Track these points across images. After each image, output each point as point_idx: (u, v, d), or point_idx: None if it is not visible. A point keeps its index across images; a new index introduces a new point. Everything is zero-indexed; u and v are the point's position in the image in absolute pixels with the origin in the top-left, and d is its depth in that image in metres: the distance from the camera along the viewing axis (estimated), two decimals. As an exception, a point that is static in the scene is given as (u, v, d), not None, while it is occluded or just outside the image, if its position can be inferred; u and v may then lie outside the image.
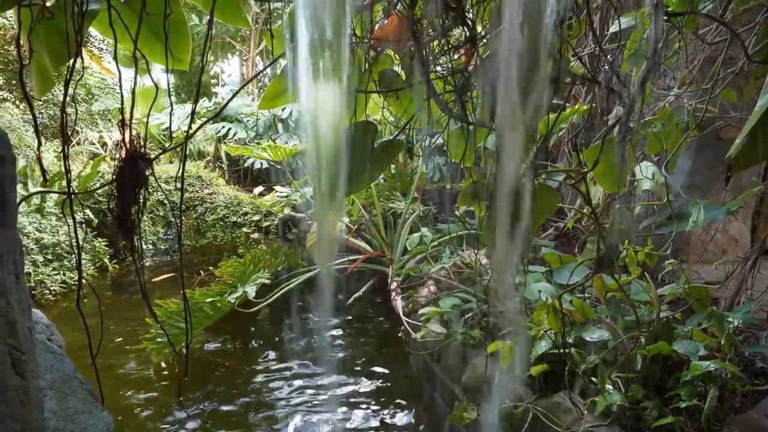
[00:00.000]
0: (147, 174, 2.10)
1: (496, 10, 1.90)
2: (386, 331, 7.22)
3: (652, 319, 3.97)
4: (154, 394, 5.60)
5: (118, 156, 2.09)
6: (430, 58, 2.47)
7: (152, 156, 2.14)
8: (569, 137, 6.10)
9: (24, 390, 1.67)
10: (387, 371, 6.10)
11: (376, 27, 2.74)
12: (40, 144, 2.18)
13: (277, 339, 7.07)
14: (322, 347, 6.79)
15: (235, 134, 13.34)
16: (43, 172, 2.23)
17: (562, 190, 6.42)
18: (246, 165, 13.14)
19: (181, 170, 2.32)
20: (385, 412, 5.26)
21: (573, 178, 2.84)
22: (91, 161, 10.76)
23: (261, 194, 11.57)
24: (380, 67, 2.79)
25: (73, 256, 8.79)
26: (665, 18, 2.40)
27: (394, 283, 7.15)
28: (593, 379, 3.96)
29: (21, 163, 9.87)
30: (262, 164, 12.49)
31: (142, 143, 2.12)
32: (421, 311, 5.71)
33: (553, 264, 5.00)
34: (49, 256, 8.60)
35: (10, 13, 2.38)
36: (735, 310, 4.20)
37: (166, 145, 13.22)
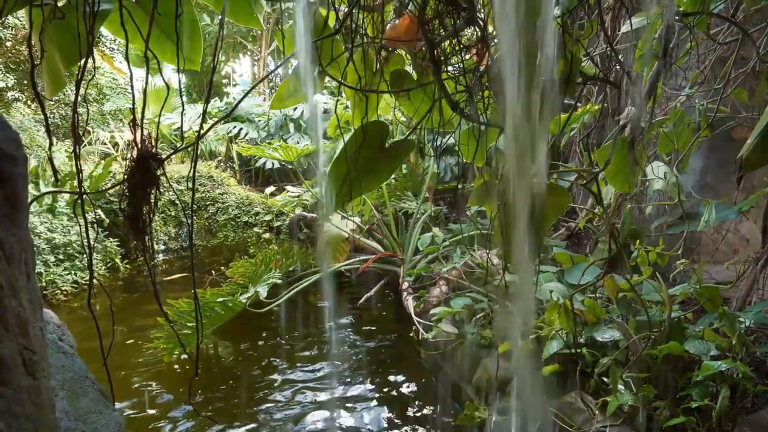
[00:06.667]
0: (158, 174, 2.10)
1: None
2: (397, 330, 7.22)
3: (663, 319, 3.96)
4: (165, 393, 5.62)
5: (129, 156, 2.08)
6: (442, 58, 2.47)
7: (164, 156, 2.14)
8: (581, 137, 6.10)
9: (36, 390, 1.67)
10: (398, 371, 6.11)
11: (388, 27, 2.74)
12: (51, 144, 2.17)
13: (287, 338, 7.08)
14: (333, 347, 6.80)
15: (246, 134, 13.33)
16: (55, 172, 2.23)
17: (574, 189, 6.42)
18: (257, 165, 13.14)
19: (192, 170, 2.32)
20: (395, 411, 5.27)
21: (584, 177, 2.84)
22: (102, 161, 10.77)
23: (272, 194, 11.57)
24: (392, 67, 2.79)
25: (85, 256, 8.81)
26: (677, 18, 2.39)
27: (406, 283, 7.15)
28: (605, 379, 3.95)
29: (32, 162, 9.90)
30: (273, 164, 12.48)
31: (153, 143, 2.12)
32: (432, 311, 5.71)
33: (564, 264, 4.99)
34: (61, 256, 8.63)
35: (22, 14, 2.39)
36: (746, 310, 4.19)
37: (178, 145, 13.22)
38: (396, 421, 5.13)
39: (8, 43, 11.22)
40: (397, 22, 2.69)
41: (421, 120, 2.68)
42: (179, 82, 2.52)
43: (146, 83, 2.54)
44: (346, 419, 5.18)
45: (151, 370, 6.11)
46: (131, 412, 5.21)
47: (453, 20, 2.33)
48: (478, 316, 5.41)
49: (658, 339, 3.88)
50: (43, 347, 1.80)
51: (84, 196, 2.06)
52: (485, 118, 2.42)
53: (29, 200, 1.78)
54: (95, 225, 9.53)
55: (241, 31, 17.76)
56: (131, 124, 2.10)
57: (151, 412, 5.28)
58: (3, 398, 1.51)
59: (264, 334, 7.18)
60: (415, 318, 6.04)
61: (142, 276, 9.83)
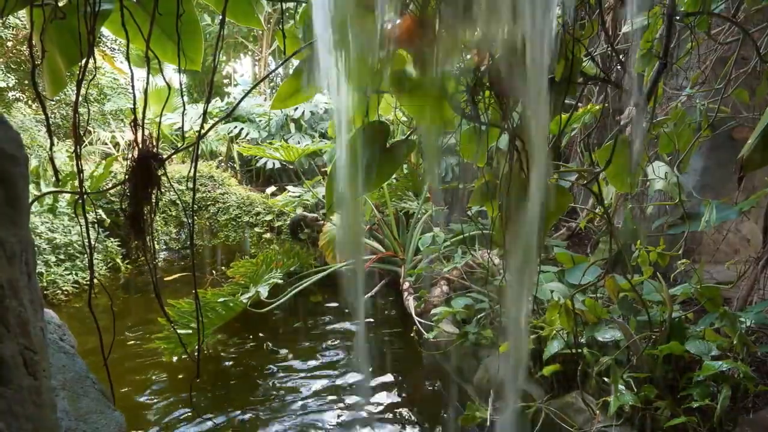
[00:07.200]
0: (159, 174, 2.10)
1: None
2: (398, 331, 7.22)
3: (664, 319, 3.96)
4: (167, 393, 5.62)
5: (130, 156, 2.08)
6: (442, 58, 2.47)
7: (164, 156, 2.14)
8: (582, 137, 6.10)
9: (37, 390, 1.67)
10: (399, 371, 6.11)
11: (389, 27, 2.74)
12: (52, 144, 2.18)
13: (289, 338, 7.08)
14: (334, 347, 6.80)
15: (247, 134, 13.32)
16: (56, 172, 2.23)
17: (575, 190, 6.41)
18: (258, 165, 13.14)
19: (193, 170, 2.32)
20: (397, 411, 5.27)
21: (585, 178, 2.84)
22: (103, 161, 10.77)
23: (273, 194, 11.57)
24: (393, 67, 2.79)
25: (86, 256, 8.81)
26: (678, 18, 2.39)
27: (407, 283, 7.15)
28: (605, 379, 3.95)
29: (33, 163, 9.91)
30: (274, 164, 12.48)
31: (154, 143, 2.12)
32: (433, 311, 5.71)
33: (565, 264, 4.99)
34: (62, 256, 8.63)
35: (23, 13, 2.39)
36: (747, 310, 4.19)
37: (179, 145, 13.20)
38: (396, 421, 5.13)
39: (9, 43, 11.24)
40: (398, 22, 2.69)
41: (421, 120, 2.68)
42: (180, 82, 2.52)
43: (147, 83, 2.55)
44: (345, 418, 5.18)
45: (152, 370, 6.11)
46: (132, 411, 5.21)
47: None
48: (479, 316, 5.40)
49: (659, 339, 3.88)
50: (44, 347, 1.80)
51: (85, 196, 2.06)
52: (486, 118, 2.42)
53: (30, 200, 1.78)
54: (96, 225, 9.54)
55: (241, 31, 17.76)
56: (132, 124, 2.10)
57: (153, 411, 5.28)
58: (3, 398, 1.51)
59: (264, 333, 7.18)
60: (415, 318, 6.04)
61: (143, 276, 9.83)
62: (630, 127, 2.38)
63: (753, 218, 5.81)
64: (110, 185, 9.96)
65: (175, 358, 5.93)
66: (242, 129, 13.40)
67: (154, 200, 2.13)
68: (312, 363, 6.37)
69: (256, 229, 10.99)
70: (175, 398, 5.52)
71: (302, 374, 6.11)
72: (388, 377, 5.96)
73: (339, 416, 5.23)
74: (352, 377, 5.99)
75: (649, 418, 3.68)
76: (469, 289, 6.18)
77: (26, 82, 11.53)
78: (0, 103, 11.50)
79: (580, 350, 4.14)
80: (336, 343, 6.95)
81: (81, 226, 2.17)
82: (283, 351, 6.74)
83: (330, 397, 5.54)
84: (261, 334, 7.14)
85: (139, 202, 2.10)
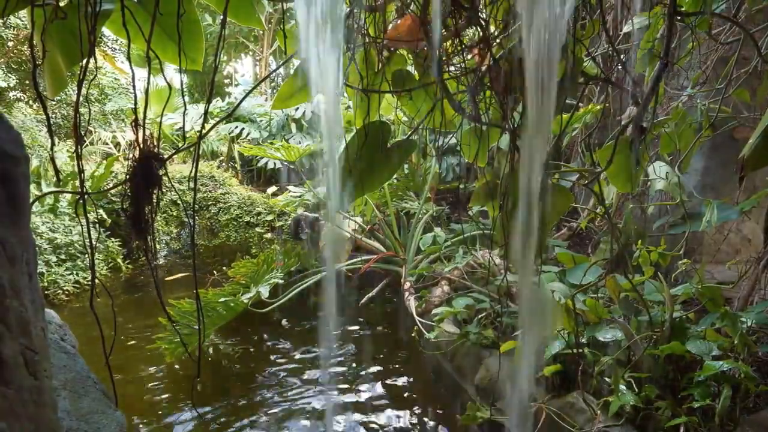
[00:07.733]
0: (160, 174, 2.10)
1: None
2: (399, 330, 7.22)
3: (665, 319, 3.96)
4: (167, 393, 5.62)
5: (131, 156, 2.08)
6: (444, 58, 2.47)
7: (165, 156, 2.14)
8: (583, 137, 6.09)
9: (38, 390, 1.67)
10: (400, 371, 6.10)
11: (390, 27, 2.74)
12: (53, 144, 2.18)
13: (289, 338, 7.08)
14: (335, 347, 6.79)
15: (248, 134, 13.33)
16: (57, 172, 2.23)
17: (576, 189, 6.41)
18: (259, 165, 13.14)
19: (194, 170, 2.32)
20: (398, 411, 5.26)
21: (586, 178, 2.84)
22: (104, 161, 10.78)
23: (274, 194, 11.57)
24: (393, 66, 2.79)
25: (86, 256, 8.81)
26: (678, 18, 2.39)
27: (408, 283, 7.14)
28: (606, 379, 3.95)
29: (34, 163, 9.93)
30: (275, 164, 12.49)
31: (155, 143, 2.12)
32: (434, 311, 5.70)
33: (566, 264, 4.98)
34: (63, 256, 8.63)
35: (24, 13, 2.39)
36: (748, 310, 4.18)
37: (180, 145, 13.20)
38: (397, 420, 5.13)
39: (10, 43, 11.24)
40: (398, 21, 2.69)
41: (423, 120, 2.68)
42: (181, 82, 2.52)
43: (148, 83, 2.55)
44: (346, 419, 5.17)
45: (153, 370, 6.11)
46: (134, 411, 5.21)
47: (455, 20, 2.33)
48: (480, 316, 5.40)
49: (660, 339, 3.88)
50: (45, 347, 1.80)
51: (86, 196, 2.06)
52: (487, 118, 2.42)
53: (31, 200, 1.78)
54: (97, 225, 9.55)
55: (242, 31, 17.76)
56: (133, 124, 2.10)
57: (153, 411, 5.28)
58: (5, 398, 1.51)
59: (265, 333, 7.18)
60: (416, 318, 6.03)
61: (144, 276, 9.84)
62: (630, 126, 2.38)
63: (754, 218, 5.81)
64: (111, 185, 9.99)
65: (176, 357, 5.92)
66: (243, 129, 13.42)
67: (155, 200, 2.13)
68: (310, 355, 6.40)
69: (257, 229, 11.00)
70: (176, 396, 5.52)
71: (301, 366, 6.13)
72: (389, 377, 5.95)
73: (337, 412, 5.24)
74: (349, 375, 6.00)
75: (650, 418, 3.68)
76: (471, 289, 6.18)
77: (27, 82, 11.53)
78: (1, 103, 11.51)
79: (581, 350, 4.14)
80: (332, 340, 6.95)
81: (82, 226, 2.17)
82: (282, 344, 6.76)
83: (327, 395, 5.55)
84: (264, 333, 7.15)
85: (140, 202, 2.10)
